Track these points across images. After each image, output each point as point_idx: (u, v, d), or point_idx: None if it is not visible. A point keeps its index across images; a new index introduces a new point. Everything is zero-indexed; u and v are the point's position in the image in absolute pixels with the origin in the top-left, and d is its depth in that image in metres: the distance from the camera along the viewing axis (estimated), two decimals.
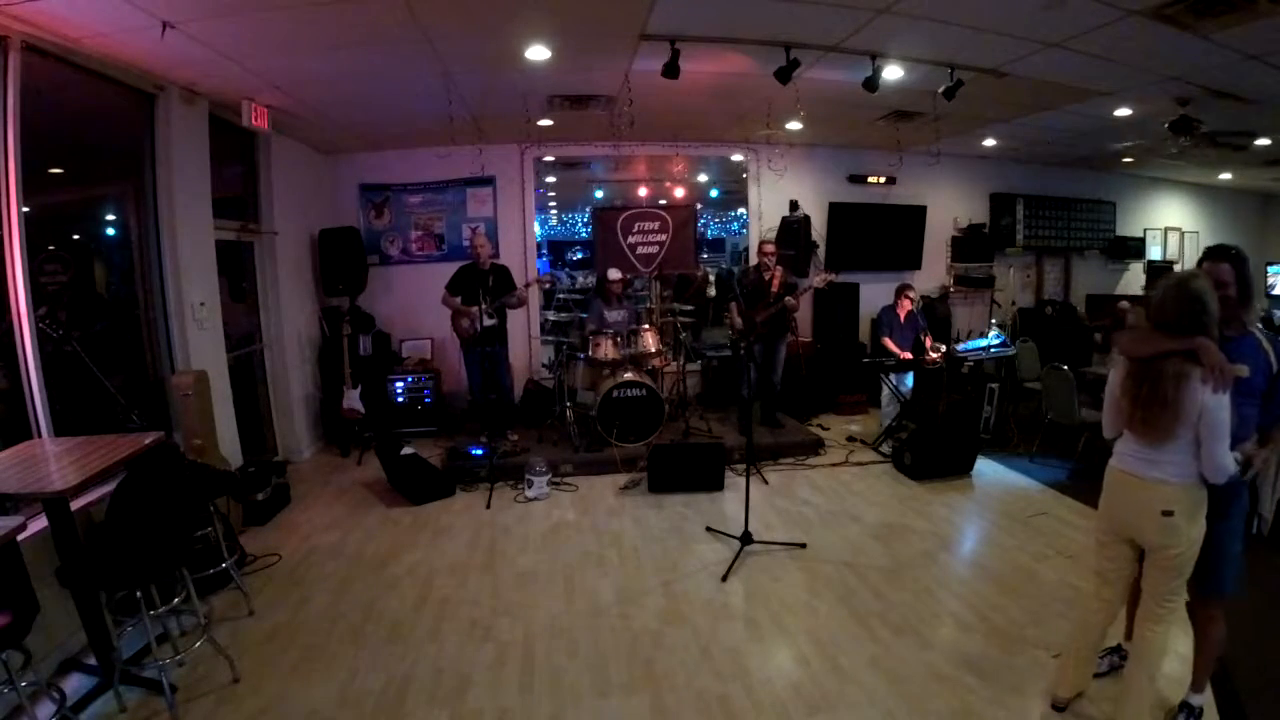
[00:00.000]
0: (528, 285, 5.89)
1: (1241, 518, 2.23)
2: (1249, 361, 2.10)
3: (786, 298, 5.62)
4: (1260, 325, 2.24)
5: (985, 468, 5.28)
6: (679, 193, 7.98)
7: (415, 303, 6.73)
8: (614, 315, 5.93)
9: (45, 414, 3.21)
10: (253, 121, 4.67)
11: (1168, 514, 2.12)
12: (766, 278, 5.73)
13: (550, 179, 8.48)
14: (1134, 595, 2.39)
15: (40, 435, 3.18)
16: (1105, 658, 2.63)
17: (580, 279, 9.30)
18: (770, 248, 5.87)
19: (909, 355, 6.05)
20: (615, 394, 5.32)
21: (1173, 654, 2.62)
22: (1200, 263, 2.30)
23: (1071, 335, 7.74)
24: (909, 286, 6.30)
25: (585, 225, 9.49)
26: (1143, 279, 9.30)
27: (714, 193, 9.07)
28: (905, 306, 6.22)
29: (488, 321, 5.15)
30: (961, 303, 8.21)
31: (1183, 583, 2.21)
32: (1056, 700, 2.48)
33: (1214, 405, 2.02)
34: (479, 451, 5.21)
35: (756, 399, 5.87)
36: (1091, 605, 2.46)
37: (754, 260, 6.17)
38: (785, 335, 5.97)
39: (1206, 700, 2.40)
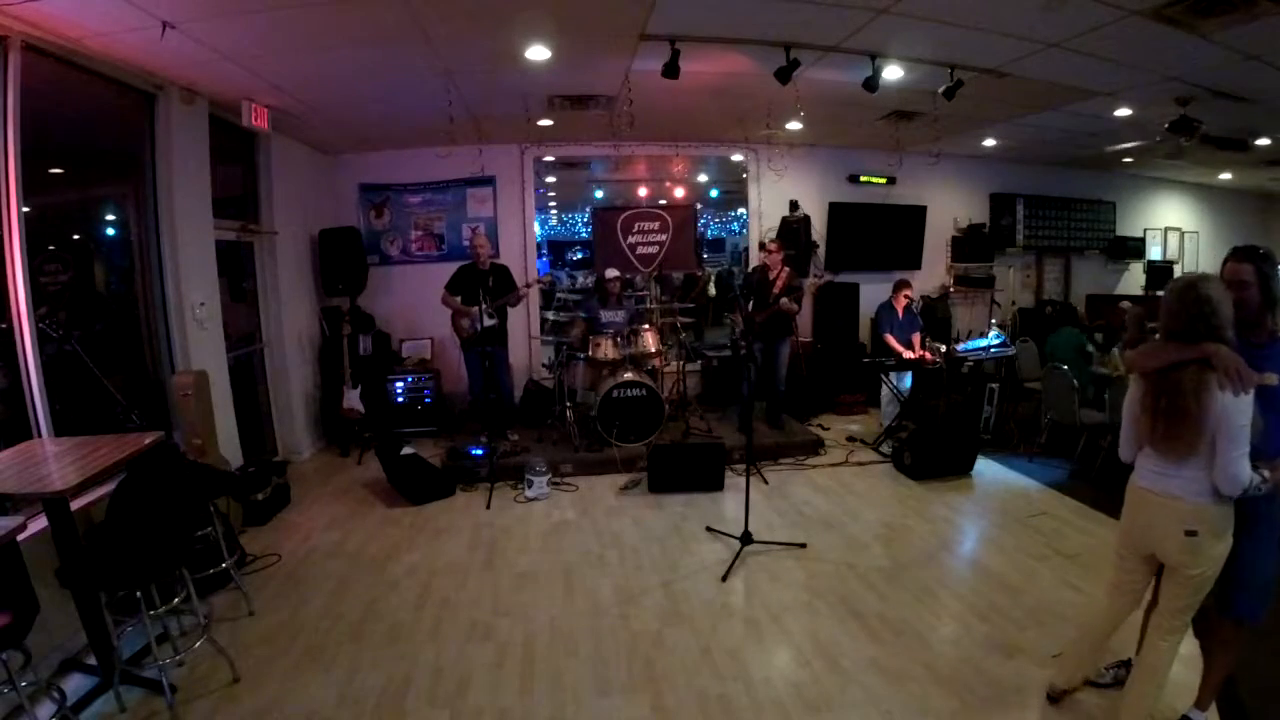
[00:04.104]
0: (527, 286, 5.89)
1: (1273, 541, 2.10)
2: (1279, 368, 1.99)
3: (782, 299, 5.60)
4: None
5: (985, 468, 5.28)
6: (679, 193, 7.99)
7: (415, 303, 6.73)
8: (611, 315, 5.93)
9: (45, 414, 3.21)
10: (253, 121, 4.67)
11: (1191, 534, 2.05)
12: (771, 277, 5.71)
13: (550, 179, 8.48)
14: (1149, 608, 2.34)
15: (40, 435, 3.18)
16: (1111, 670, 2.61)
17: (580, 279, 9.30)
18: (774, 245, 5.85)
19: (912, 354, 6.05)
20: (615, 394, 5.32)
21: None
22: (1224, 263, 2.17)
23: None
24: (906, 283, 6.31)
25: (585, 225, 9.48)
26: (1143, 279, 9.30)
27: (714, 193, 9.08)
28: (902, 302, 6.23)
29: (488, 321, 5.15)
30: (961, 303, 8.21)
31: (1199, 599, 2.13)
32: (1051, 689, 2.51)
33: (1233, 409, 1.92)
34: (479, 451, 5.21)
35: (760, 399, 5.87)
36: (1101, 607, 2.45)
37: (756, 260, 6.16)
38: (787, 336, 5.95)
39: (1209, 716, 2.35)
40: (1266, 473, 1.97)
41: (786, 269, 5.77)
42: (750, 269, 6.49)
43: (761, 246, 6.02)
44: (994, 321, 7.42)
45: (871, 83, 4.40)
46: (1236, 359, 1.93)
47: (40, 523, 2.67)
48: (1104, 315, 7.17)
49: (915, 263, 7.86)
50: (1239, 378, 1.90)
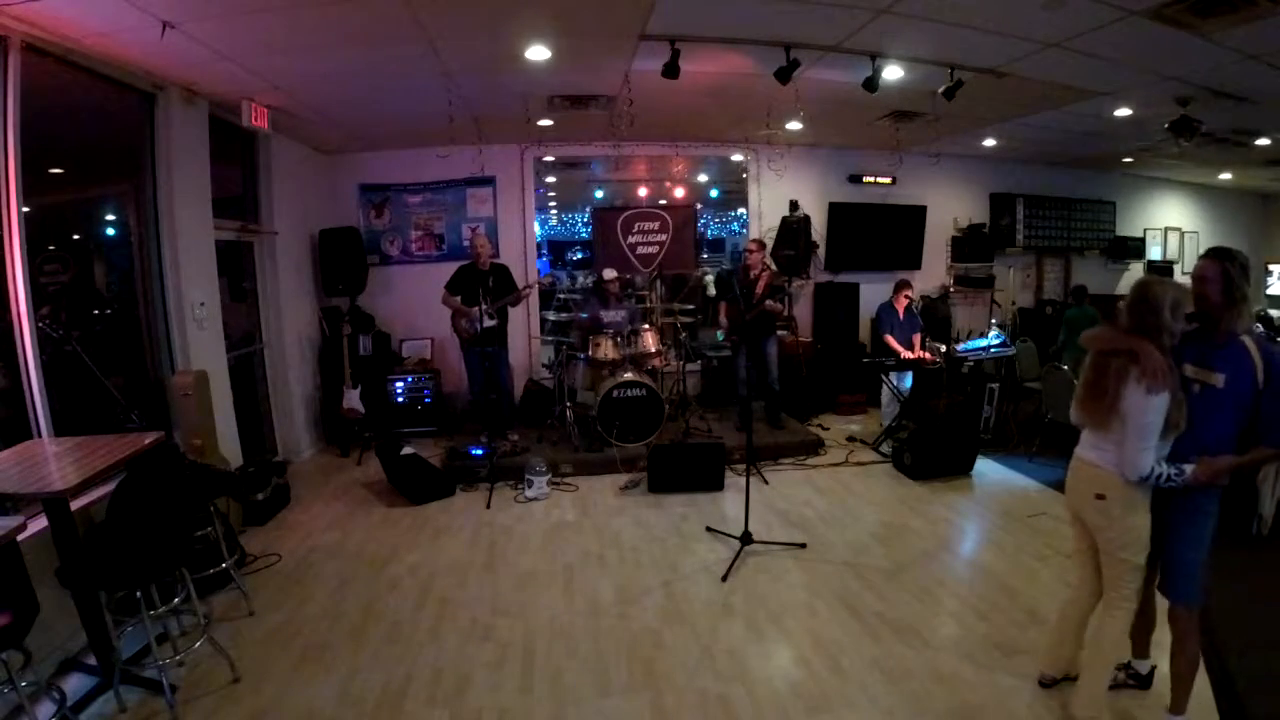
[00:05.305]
0: (528, 287, 5.90)
1: (1204, 526, 2.21)
2: (1229, 368, 2.09)
3: (768, 300, 5.61)
4: (1258, 327, 2.20)
5: (985, 468, 5.28)
6: (679, 193, 7.97)
7: (415, 303, 6.73)
8: (611, 315, 5.93)
9: (45, 414, 3.21)
10: (253, 121, 4.67)
11: (1100, 497, 2.25)
12: (753, 277, 5.71)
13: (550, 179, 8.46)
14: (1140, 610, 2.38)
15: (40, 435, 3.18)
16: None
17: (580, 279, 9.29)
18: (754, 245, 5.85)
19: (912, 354, 6.05)
20: (615, 394, 5.32)
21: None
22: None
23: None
24: (907, 284, 6.32)
25: (585, 225, 9.47)
26: None
27: (714, 193, 9.06)
28: (903, 303, 6.23)
29: (488, 322, 5.15)
30: (961, 303, 8.21)
31: (1129, 572, 2.26)
32: (1041, 677, 2.60)
33: (1139, 404, 2.09)
34: (479, 451, 5.21)
35: (757, 399, 5.87)
36: (1072, 581, 2.59)
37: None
38: (772, 335, 5.95)
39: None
40: (1187, 468, 2.09)
41: (768, 269, 5.77)
42: (734, 269, 6.51)
43: (761, 246, 6.04)
44: (994, 321, 7.42)
45: (871, 83, 4.40)
46: (1159, 361, 2.08)
47: (40, 523, 2.67)
48: (1103, 315, 7.17)
49: (915, 263, 7.86)
50: (1153, 377, 2.06)
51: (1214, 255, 2.19)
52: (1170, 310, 2.11)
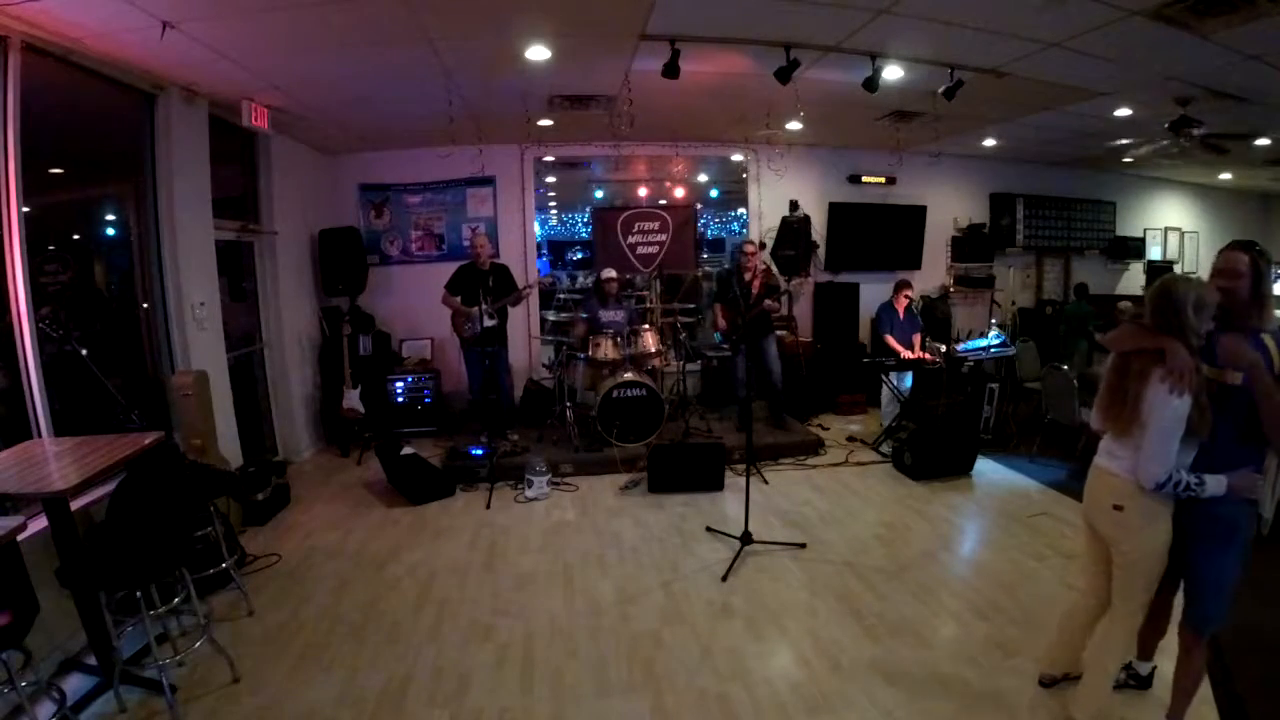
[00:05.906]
0: (528, 287, 5.90)
1: (1235, 542, 2.08)
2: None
3: (766, 300, 5.62)
4: (1276, 328, 2.05)
5: (985, 468, 5.28)
6: (679, 193, 7.97)
7: (415, 303, 6.73)
8: (611, 315, 5.93)
9: (45, 414, 3.21)
10: (253, 121, 4.67)
11: (1118, 508, 2.15)
12: (747, 279, 5.72)
13: (550, 179, 8.46)
14: (1147, 614, 2.32)
15: (40, 435, 3.18)
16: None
17: (581, 279, 9.30)
18: (751, 247, 5.87)
19: (913, 354, 6.05)
20: (615, 394, 5.32)
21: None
22: (1220, 253, 2.15)
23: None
24: (907, 284, 6.32)
25: (585, 225, 9.47)
26: (1143, 279, 9.30)
27: (714, 193, 9.06)
28: (903, 303, 6.23)
29: (488, 322, 5.15)
30: (961, 303, 8.21)
31: (1142, 589, 2.17)
32: (1042, 677, 2.60)
33: (1164, 406, 1.98)
34: (479, 451, 5.21)
35: (759, 399, 5.87)
36: (1079, 586, 2.54)
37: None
38: (770, 334, 5.96)
39: None
40: (1209, 478, 1.99)
41: (763, 270, 5.77)
42: (728, 270, 6.52)
43: (761, 246, 6.04)
44: (994, 321, 7.42)
45: (871, 83, 4.40)
46: (1186, 360, 1.96)
47: (40, 523, 2.67)
48: (1103, 315, 7.17)
49: (915, 263, 7.86)
50: (1179, 378, 1.94)
51: (1240, 246, 2.08)
52: (1194, 310, 1.99)
